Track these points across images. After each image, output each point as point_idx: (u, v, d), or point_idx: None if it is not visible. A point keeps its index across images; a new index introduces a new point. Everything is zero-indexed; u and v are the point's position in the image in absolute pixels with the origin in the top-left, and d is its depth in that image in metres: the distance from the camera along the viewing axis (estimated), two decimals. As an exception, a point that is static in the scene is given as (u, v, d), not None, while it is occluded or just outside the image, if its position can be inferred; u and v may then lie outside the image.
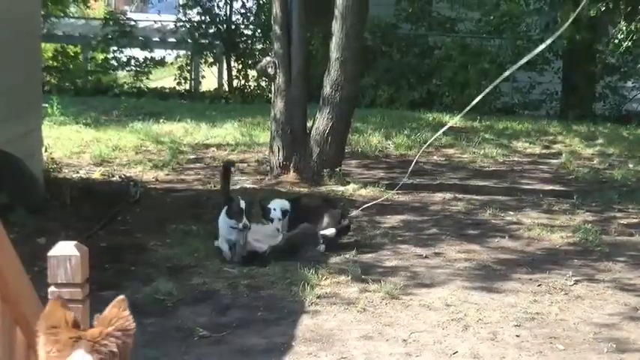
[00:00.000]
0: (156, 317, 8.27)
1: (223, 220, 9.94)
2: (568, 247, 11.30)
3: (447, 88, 25.15)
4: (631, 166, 16.09)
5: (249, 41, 29.30)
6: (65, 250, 4.04)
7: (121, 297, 3.44)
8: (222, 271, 9.79)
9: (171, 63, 31.17)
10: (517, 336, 8.28)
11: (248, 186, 14.03)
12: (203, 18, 28.87)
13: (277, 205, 10.53)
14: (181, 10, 29.37)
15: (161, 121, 18.99)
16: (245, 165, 15.54)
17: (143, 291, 8.99)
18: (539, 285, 9.75)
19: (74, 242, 4.08)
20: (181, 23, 28.88)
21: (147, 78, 28.66)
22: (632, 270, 10.46)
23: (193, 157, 16.26)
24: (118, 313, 3.38)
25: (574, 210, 13.14)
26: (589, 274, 10.20)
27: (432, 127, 18.90)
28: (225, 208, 9.93)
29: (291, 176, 14.23)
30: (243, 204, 9.77)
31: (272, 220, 10.37)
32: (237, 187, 13.90)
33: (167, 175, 14.76)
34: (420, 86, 25.29)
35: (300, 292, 9.05)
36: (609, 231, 11.99)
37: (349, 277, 9.64)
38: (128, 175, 14.21)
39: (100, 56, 29.42)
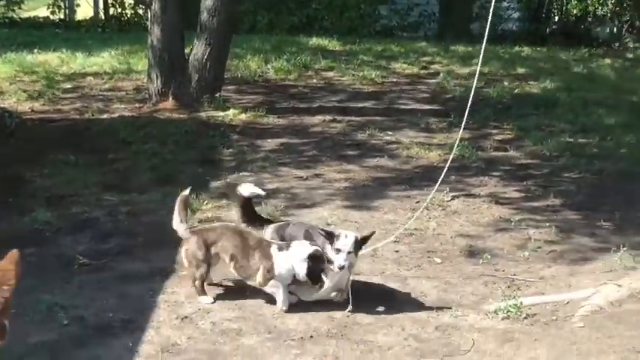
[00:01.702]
0: (35, 247, 8.18)
1: (288, 262, 7.02)
2: (445, 164, 11.48)
3: (326, 12, 25.09)
4: (506, 83, 16.39)
5: (125, -33, 28.67)
6: None
7: (14, 251, 3.40)
8: (101, 200, 9.71)
9: (44, -9, 30.35)
10: (396, 251, 8.47)
11: (126, 114, 13.86)
12: (75, -57, 28.11)
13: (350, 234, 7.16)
14: None
15: (35, 51, 18.51)
16: (123, 93, 15.33)
17: (22, 222, 8.89)
18: (417, 202, 9.94)
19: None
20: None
21: (19, 8, 27.85)
22: (506, 184, 10.76)
23: (70, 86, 15.94)
24: (4, 267, 3.36)
25: (451, 128, 13.37)
26: (465, 190, 10.46)
27: (312, 52, 18.91)
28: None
29: (170, 103, 14.09)
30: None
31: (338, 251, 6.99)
32: (116, 115, 13.75)
33: (43, 105, 14.46)
34: (299, 11, 25.17)
35: (182, 218, 9.05)
36: (485, 147, 12.27)
37: (230, 201, 9.69)
38: (2, 106, 13.89)
39: (-31, -14, 28.47)
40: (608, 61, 19.84)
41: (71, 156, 11.27)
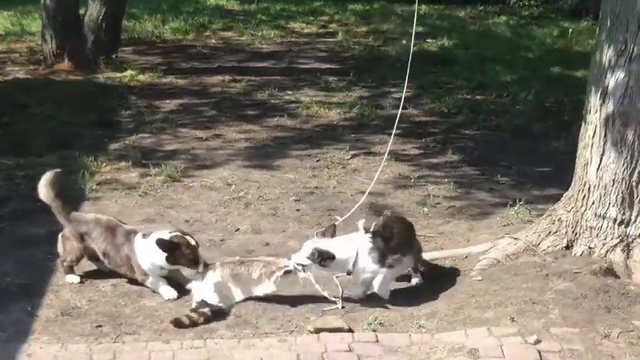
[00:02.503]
0: None
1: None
2: (345, 123, 11.58)
3: (223, -30, 24.79)
4: (404, 42, 16.44)
5: None
6: None
7: None
8: (-5, 164, 9.55)
9: None
10: (297, 210, 8.52)
11: (21, 76, 13.58)
12: None
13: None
14: None
15: None
16: (17, 55, 15.02)
17: None
18: (317, 160, 10.00)
19: None
20: None
21: None
22: (405, 141, 10.85)
23: (-39, 48, 15.59)
24: None
25: (350, 87, 13.42)
26: (365, 148, 10.51)
27: (210, 12, 18.76)
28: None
29: (65, 65, 13.82)
30: None
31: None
32: (10, 77, 13.48)
33: None
34: (196, -31, 24.86)
35: (80, 180, 8.95)
36: (384, 105, 12.33)
37: (129, 163, 9.62)
38: None
39: None
40: (503, 18, 20.07)
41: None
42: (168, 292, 6.64)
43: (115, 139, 10.63)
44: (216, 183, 9.17)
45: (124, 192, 8.81)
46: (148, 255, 6.59)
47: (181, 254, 6.50)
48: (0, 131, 10.71)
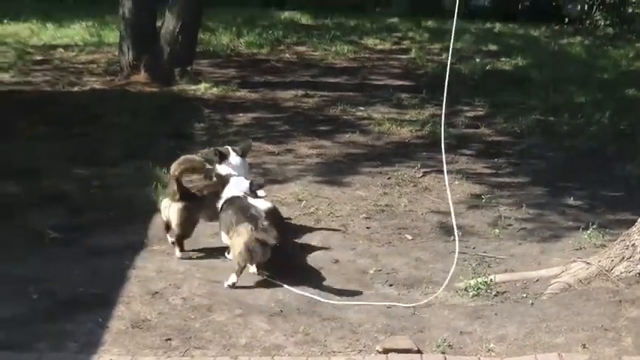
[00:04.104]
0: (4, 221, 8.12)
1: None
2: (417, 141, 11.55)
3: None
4: (477, 60, 16.40)
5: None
6: None
7: None
8: (72, 173, 9.65)
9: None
10: (367, 228, 8.50)
11: (98, 87, 13.77)
12: None
13: None
14: None
15: (5, 21, 18.38)
16: (94, 66, 15.22)
17: (-11, 195, 8.83)
18: (388, 178, 9.98)
19: None
20: None
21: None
22: (477, 161, 10.80)
23: (40, 58, 15.82)
24: None
25: (423, 104, 13.38)
26: (437, 166, 10.44)
27: (284, 26, 18.85)
28: None
29: (142, 76, 14.00)
30: None
31: None
32: (87, 88, 13.67)
33: (13, 77, 14.34)
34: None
35: (153, 192, 9.03)
36: (456, 124, 12.29)
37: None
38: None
39: None
40: (578, 38, 19.87)
41: (42, 129, 11.20)
42: None
43: (188, 151, 10.67)
44: (287, 198, 9.19)
45: (197, 205, 8.88)
46: None
47: None
48: (76, 141, 10.85)
